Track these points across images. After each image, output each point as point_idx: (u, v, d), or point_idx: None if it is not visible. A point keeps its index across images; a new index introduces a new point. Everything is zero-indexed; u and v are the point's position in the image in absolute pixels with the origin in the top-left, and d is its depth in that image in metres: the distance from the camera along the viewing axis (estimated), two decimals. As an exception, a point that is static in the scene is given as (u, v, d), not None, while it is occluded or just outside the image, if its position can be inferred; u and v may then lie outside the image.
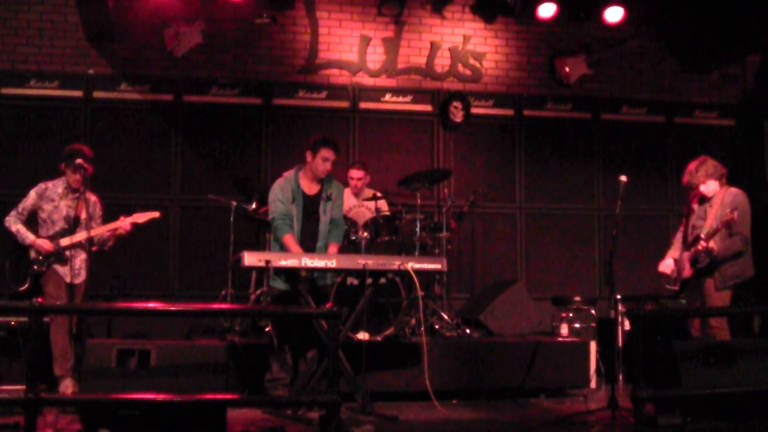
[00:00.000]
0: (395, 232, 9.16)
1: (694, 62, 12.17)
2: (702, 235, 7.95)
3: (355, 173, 9.91)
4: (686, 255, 8.20)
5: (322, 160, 7.83)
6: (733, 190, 8.17)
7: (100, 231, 7.92)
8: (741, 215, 7.91)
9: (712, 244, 7.85)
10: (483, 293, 10.48)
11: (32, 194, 7.92)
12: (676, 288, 8.36)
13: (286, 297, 7.65)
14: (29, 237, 7.78)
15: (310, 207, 7.91)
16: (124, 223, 7.99)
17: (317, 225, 7.90)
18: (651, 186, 11.86)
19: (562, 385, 8.75)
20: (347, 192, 9.78)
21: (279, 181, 8.00)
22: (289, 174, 8.06)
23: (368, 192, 9.91)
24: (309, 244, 7.81)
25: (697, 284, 8.15)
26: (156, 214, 8.25)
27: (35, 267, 7.78)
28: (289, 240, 7.68)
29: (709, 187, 8.19)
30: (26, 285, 7.81)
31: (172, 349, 6.74)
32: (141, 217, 8.12)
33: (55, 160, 7.99)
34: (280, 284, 7.73)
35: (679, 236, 8.58)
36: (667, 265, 8.38)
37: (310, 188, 7.98)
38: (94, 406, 6.25)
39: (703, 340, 7.85)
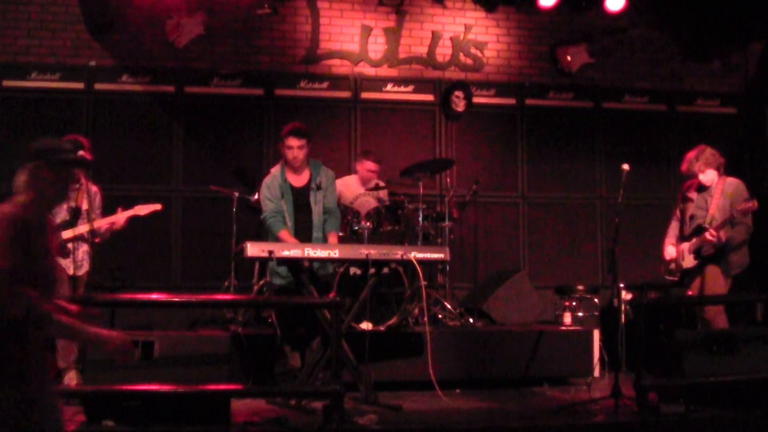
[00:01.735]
0: (398, 221, 9.17)
1: (695, 50, 12.14)
2: (707, 225, 7.96)
3: (373, 165, 9.88)
4: (687, 245, 8.21)
5: (287, 149, 7.90)
6: (732, 179, 8.19)
7: (101, 223, 7.91)
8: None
9: (722, 234, 7.87)
10: (486, 282, 10.48)
11: (32, 187, 7.90)
12: (676, 279, 8.38)
13: (285, 293, 7.69)
14: (31, 230, 7.76)
15: (300, 199, 7.94)
16: (118, 218, 7.97)
17: (310, 216, 7.93)
18: (653, 174, 11.85)
19: (565, 374, 8.76)
20: (353, 180, 9.78)
21: (266, 179, 8.06)
22: (275, 170, 8.12)
23: (371, 182, 9.91)
24: (305, 237, 7.83)
25: (699, 272, 8.17)
26: (158, 207, 8.25)
27: (37, 259, 7.77)
28: (285, 236, 7.72)
29: (708, 176, 8.21)
30: (28, 278, 7.80)
31: (175, 340, 6.76)
32: (143, 210, 8.12)
33: (56, 153, 7.97)
34: (279, 280, 7.76)
35: (674, 225, 8.60)
36: (670, 252, 8.40)
37: (298, 180, 8.01)
38: (98, 397, 6.26)
39: (706, 329, 7.86)
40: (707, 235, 7.95)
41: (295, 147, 7.89)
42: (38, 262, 3.91)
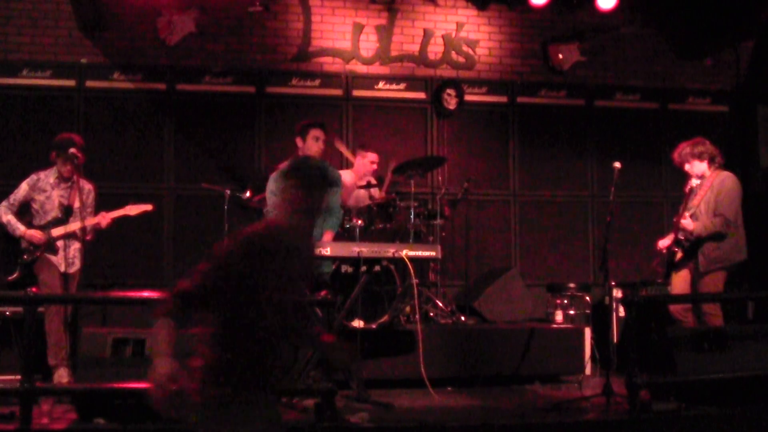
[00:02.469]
0: (389, 219, 9.16)
1: (687, 48, 12.16)
2: (687, 214, 7.97)
3: (375, 156, 9.88)
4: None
5: (314, 140, 7.94)
6: (724, 173, 8.16)
7: (91, 222, 7.90)
8: (725, 197, 7.91)
9: (689, 224, 7.85)
10: (477, 280, 10.49)
11: (24, 186, 7.92)
12: (663, 270, 8.36)
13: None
14: (20, 228, 7.77)
15: None
16: (103, 219, 7.95)
17: (313, 214, 7.92)
18: (644, 172, 11.86)
19: (556, 372, 8.77)
20: (348, 175, 9.75)
21: (273, 174, 8.09)
22: (283, 166, 8.12)
23: (364, 179, 9.90)
24: (305, 233, 7.83)
25: (687, 268, 8.15)
26: (149, 207, 8.24)
27: (25, 257, 7.78)
28: None
29: (695, 168, 8.18)
30: (16, 275, 7.82)
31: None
32: (133, 210, 8.12)
33: (48, 150, 7.98)
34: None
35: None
36: (664, 243, 8.36)
37: None
38: (90, 395, 6.25)
39: (697, 326, 7.86)
40: (679, 222, 7.96)
41: (321, 139, 8.01)
42: (270, 285, 3.72)
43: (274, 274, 3.72)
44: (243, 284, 3.66)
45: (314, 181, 4.00)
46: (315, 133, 8.02)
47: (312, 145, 7.98)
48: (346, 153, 9.97)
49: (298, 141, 8.07)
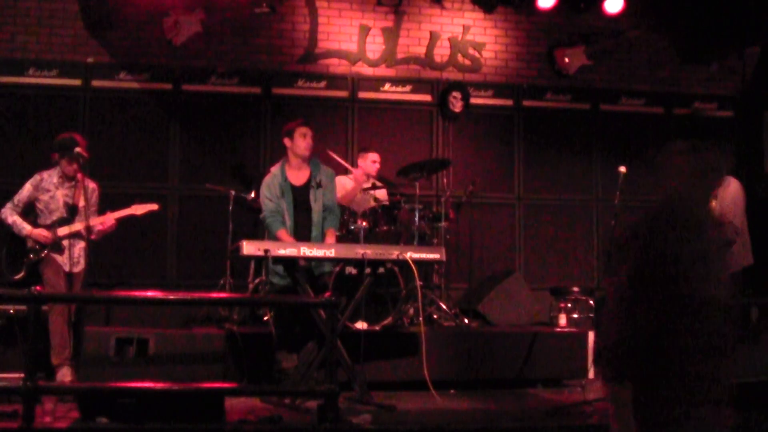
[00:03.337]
0: (394, 221, 9.17)
1: (693, 53, 12.15)
2: None
3: (377, 156, 9.90)
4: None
5: (302, 136, 7.94)
6: (729, 179, 8.14)
7: (95, 221, 7.91)
8: (731, 203, 7.89)
9: None
10: (481, 283, 10.49)
11: (28, 186, 7.93)
12: None
13: (286, 292, 7.68)
14: (25, 228, 7.78)
15: (300, 198, 7.95)
16: (109, 218, 7.96)
17: (310, 214, 7.93)
18: (649, 177, 11.81)
19: (560, 376, 8.75)
20: (350, 180, 9.76)
21: (266, 179, 8.08)
22: (275, 169, 8.13)
23: (369, 181, 9.92)
24: (304, 235, 7.84)
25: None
26: (154, 207, 8.24)
27: (31, 256, 7.79)
28: (283, 235, 7.74)
29: None
30: (22, 274, 7.83)
31: (170, 337, 6.77)
32: (139, 209, 8.13)
33: (53, 150, 7.99)
34: (279, 280, 7.75)
35: None
36: None
37: (298, 178, 8.02)
38: (93, 394, 6.26)
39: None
40: None
41: (309, 135, 7.99)
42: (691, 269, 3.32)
43: (692, 254, 3.35)
44: (666, 276, 3.30)
45: (699, 141, 3.65)
46: (302, 129, 8.01)
47: (300, 141, 7.97)
48: (342, 161, 9.94)
49: (286, 141, 8.07)
